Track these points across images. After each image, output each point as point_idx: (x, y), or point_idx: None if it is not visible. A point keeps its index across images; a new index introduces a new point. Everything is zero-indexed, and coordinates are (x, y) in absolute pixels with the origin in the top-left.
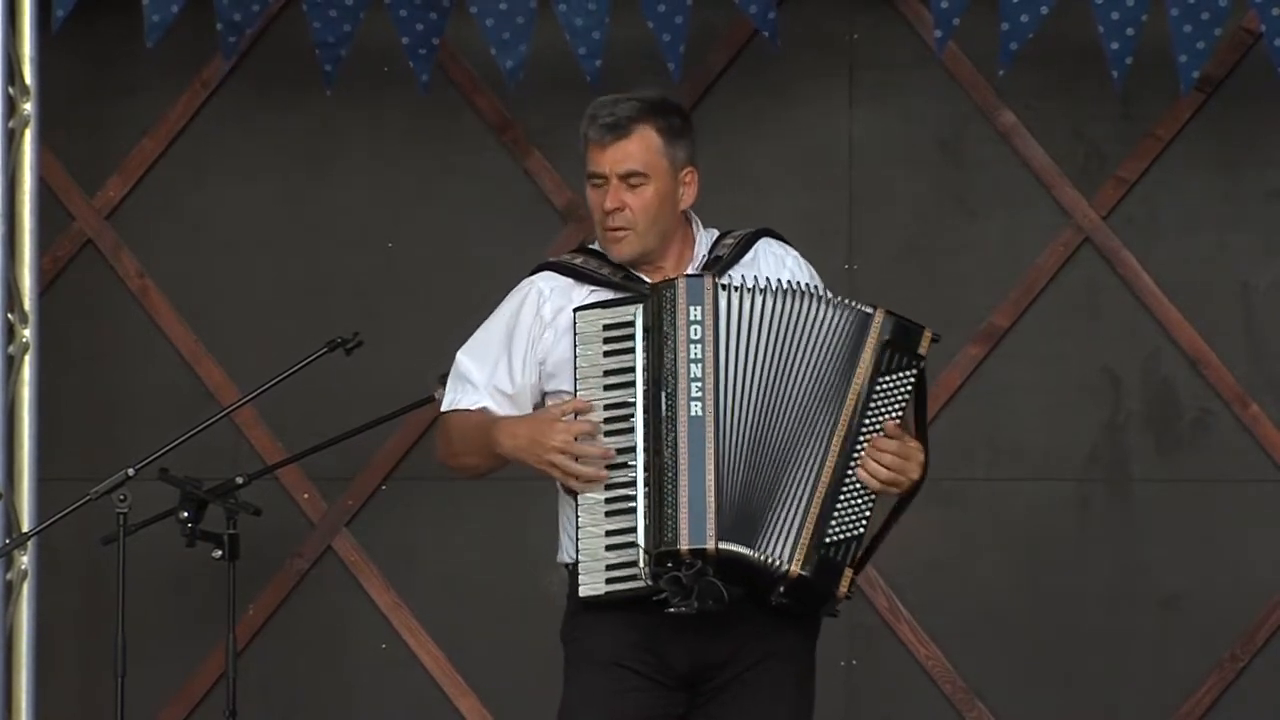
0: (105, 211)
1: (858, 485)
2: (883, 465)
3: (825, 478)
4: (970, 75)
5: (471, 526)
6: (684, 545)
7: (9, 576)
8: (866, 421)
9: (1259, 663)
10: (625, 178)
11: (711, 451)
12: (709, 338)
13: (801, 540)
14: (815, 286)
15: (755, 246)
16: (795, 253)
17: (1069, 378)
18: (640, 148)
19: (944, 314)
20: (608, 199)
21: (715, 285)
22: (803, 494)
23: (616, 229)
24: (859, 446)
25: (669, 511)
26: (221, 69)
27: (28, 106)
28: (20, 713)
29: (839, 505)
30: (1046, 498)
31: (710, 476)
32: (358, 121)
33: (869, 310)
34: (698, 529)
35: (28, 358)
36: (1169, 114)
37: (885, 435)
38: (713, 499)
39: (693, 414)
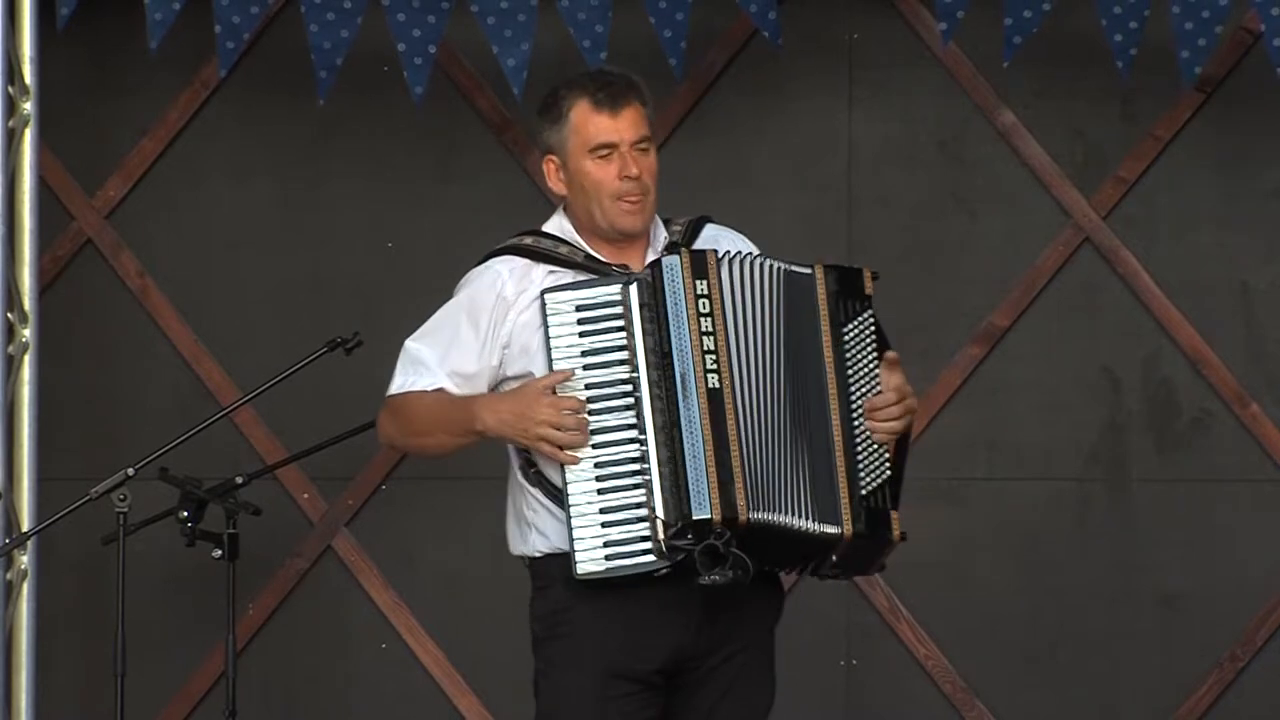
0: (105, 211)
1: (868, 434)
2: (891, 419)
3: (838, 435)
4: (970, 75)
5: (471, 526)
6: (716, 515)
7: (9, 576)
8: (850, 371)
9: (1259, 663)
10: (635, 143)
11: (733, 422)
12: (717, 310)
13: (843, 500)
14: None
15: (702, 231)
16: (732, 232)
17: (1069, 378)
18: (644, 113)
19: (944, 314)
20: (628, 166)
21: (716, 259)
22: (827, 458)
23: (635, 199)
24: (853, 397)
25: (694, 483)
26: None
27: (27, 106)
28: (20, 713)
29: (859, 456)
30: (1046, 498)
31: (734, 446)
32: (358, 121)
33: (806, 270)
34: (728, 498)
35: (27, 357)
36: (1169, 114)
37: (884, 370)
38: (739, 467)
39: (710, 386)
